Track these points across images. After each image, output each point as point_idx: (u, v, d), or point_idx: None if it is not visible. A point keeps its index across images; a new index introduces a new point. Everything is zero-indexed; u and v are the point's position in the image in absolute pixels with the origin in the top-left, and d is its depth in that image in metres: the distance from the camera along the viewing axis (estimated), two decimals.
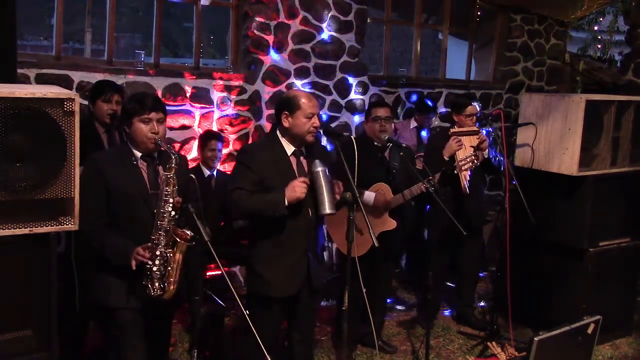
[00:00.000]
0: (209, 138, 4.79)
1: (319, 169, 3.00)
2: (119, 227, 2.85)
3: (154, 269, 2.77)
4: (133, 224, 2.85)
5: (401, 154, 4.03)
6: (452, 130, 4.47)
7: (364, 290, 3.33)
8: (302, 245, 3.16)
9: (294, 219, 3.06)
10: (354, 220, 3.06)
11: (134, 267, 2.73)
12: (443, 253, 4.71)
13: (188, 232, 2.82)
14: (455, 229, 3.73)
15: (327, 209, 2.98)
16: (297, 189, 2.95)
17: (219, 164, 4.91)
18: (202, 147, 4.79)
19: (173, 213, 2.80)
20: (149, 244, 2.77)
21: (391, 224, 4.03)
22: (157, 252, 2.77)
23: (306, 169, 3.16)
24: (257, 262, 3.20)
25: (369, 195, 3.94)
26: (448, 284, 5.23)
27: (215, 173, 4.77)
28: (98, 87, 3.94)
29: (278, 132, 3.17)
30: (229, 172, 5.21)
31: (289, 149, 3.14)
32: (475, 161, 4.09)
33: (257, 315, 3.10)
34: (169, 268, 2.80)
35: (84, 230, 2.59)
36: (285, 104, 3.13)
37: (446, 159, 4.26)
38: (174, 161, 2.81)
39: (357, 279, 3.34)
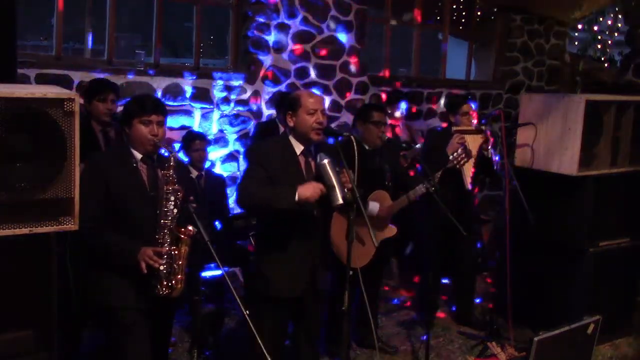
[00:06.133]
0: (192, 138, 4.66)
1: (325, 160, 2.97)
2: (117, 227, 2.85)
3: (161, 268, 2.77)
4: (131, 224, 2.86)
5: (402, 153, 4.02)
6: (455, 128, 4.50)
7: (365, 296, 3.31)
8: (307, 246, 3.15)
9: (299, 220, 3.05)
10: (354, 220, 3.05)
11: (144, 271, 2.73)
12: (440, 253, 4.71)
13: (190, 228, 2.83)
14: (451, 228, 3.73)
15: (340, 199, 2.92)
16: (310, 188, 2.90)
17: (205, 163, 4.85)
18: (186, 148, 4.64)
19: (175, 211, 2.81)
20: (161, 249, 2.78)
21: (391, 231, 4.03)
22: (163, 252, 2.78)
23: (314, 169, 3.15)
24: (262, 262, 3.21)
25: (374, 206, 3.92)
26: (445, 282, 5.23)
27: (204, 173, 4.74)
28: (94, 87, 3.93)
29: (287, 132, 3.19)
30: (218, 173, 5.23)
31: (298, 148, 3.14)
32: (465, 159, 4.13)
33: (261, 315, 3.10)
34: (175, 265, 2.80)
35: (83, 228, 2.58)
36: (288, 104, 3.15)
37: (449, 155, 4.27)
38: (172, 159, 2.82)
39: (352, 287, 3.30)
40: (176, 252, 2.81)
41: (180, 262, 2.82)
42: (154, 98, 3.08)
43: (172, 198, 2.81)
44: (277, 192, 2.95)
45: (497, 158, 4.75)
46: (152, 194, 2.87)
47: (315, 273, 3.20)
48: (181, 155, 4.73)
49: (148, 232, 2.82)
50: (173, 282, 2.80)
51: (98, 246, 2.83)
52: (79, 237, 2.75)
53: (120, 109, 4.70)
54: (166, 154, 2.88)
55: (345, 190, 2.95)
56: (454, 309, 5.03)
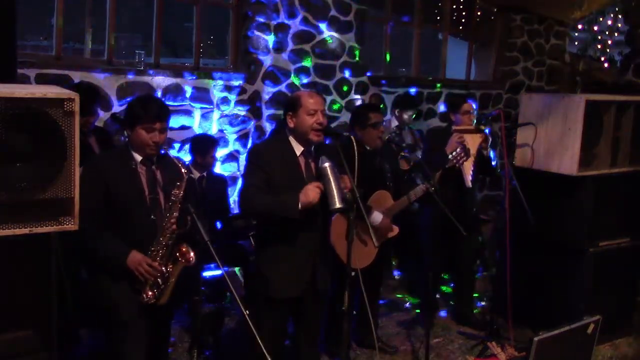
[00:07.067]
0: (213, 144, 4.74)
1: (326, 164, 2.97)
2: (116, 228, 2.87)
3: (152, 278, 2.86)
4: (130, 224, 2.88)
5: (402, 153, 4.02)
6: (454, 127, 4.50)
7: (365, 296, 3.32)
8: (309, 247, 3.15)
9: (301, 220, 3.05)
10: (354, 220, 3.04)
11: (141, 279, 2.83)
12: (440, 253, 4.71)
13: (191, 254, 2.88)
14: (451, 228, 3.72)
15: (337, 203, 2.93)
16: (310, 193, 2.91)
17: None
18: (203, 153, 4.68)
19: (175, 229, 2.88)
20: (156, 264, 2.84)
21: (393, 231, 4.02)
22: (158, 267, 2.85)
23: (314, 170, 3.14)
24: (262, 262, 3.21)
25: (377, 216, 3.91)
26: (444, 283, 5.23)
27: (205, 174, 4.75)
28: None
29: (287, 133, 3.18)
30: (219, 173, 5.23)
31: (298, 149, 3.14)
32: (465, 158, 4.14)
33: (261, 315, 3.11)
34: (168, 283, 2.88)
35: (81, 229, 2.58)
36: (289, 105, 3.15)
37: (449, 155, 4.28)
38: (184, 183, 2.88)
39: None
40: (171, 269, 2.88)
41: (172, 280, 2.89)
42: (159, 103, 3.01)
43: (175, 215, 2.86)
44: (281, 202, 2.96)
45: (495, 160, 4.75)
46: (151, 196, 2.89)
47: (316, 273, 3.20)
48: (184, 155, 4.75)
49: (145, 232, 2.85)
50: (161, 294, 2.88)
51: (90, 247, 2.86)
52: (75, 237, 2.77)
53: (117, 109, 4.73)
54: (183, 170, 2.93)
55: (345, 192, 2.96)
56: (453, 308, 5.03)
